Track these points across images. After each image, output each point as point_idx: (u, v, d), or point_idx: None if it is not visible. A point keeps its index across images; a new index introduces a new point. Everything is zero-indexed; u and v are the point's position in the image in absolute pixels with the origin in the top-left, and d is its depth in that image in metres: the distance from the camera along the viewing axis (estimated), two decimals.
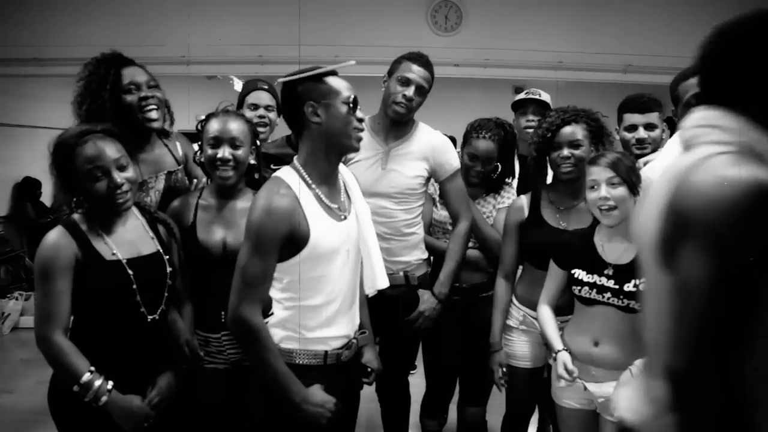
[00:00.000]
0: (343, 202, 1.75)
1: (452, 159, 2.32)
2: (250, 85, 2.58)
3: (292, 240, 1.59)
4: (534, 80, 4.55)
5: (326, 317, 1.68)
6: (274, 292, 1.68)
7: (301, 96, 1.63)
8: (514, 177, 2.61)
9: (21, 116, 5.68)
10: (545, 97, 3.02)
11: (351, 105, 1.64)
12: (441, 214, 2.47)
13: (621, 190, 1.81)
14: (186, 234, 1.93)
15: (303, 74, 1.63)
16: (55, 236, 1.64)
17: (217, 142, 1.90)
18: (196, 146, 2.04)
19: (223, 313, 1.90)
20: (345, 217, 1.73)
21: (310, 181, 1.66)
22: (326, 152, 1.67)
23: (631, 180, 1.82)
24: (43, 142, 1.75)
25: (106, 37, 4.49)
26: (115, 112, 1.98)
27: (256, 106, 2.50)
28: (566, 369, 1.88)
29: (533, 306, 2.12)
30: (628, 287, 1.82)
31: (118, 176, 1.65)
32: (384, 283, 1.81)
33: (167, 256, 1.80)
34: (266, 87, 2.56)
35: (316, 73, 1.64)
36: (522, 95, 3.09)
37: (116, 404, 1.64)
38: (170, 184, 2.16)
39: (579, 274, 1.92)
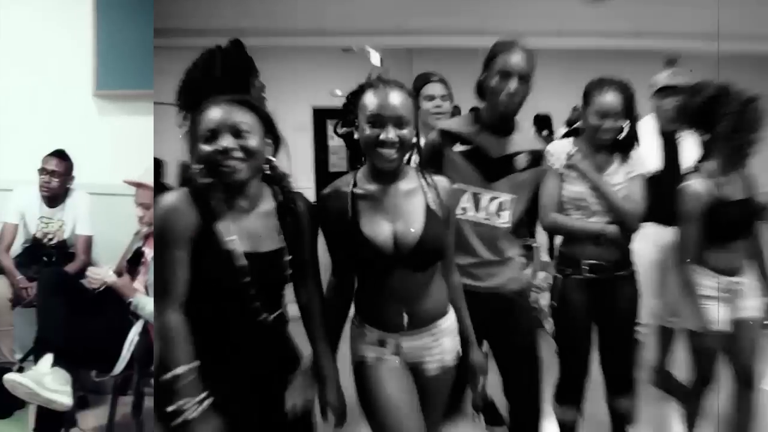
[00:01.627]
0: None
1: None
2: (422, 79, 2.86)
3: None
4: (689, 52, 4.16)
5: None
6: None
7: None
8: (638, 144, 2.45)
9: None
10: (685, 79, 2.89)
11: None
12: (571, 189, 2.36)
13: None
14: (348, 229, 1.66)
15: None
16: (176, 199, 1.50)
17: (379, 120, 1.59)
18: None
19: (405, 315, 1.71)
20: None
21: None
22: None
23: None
24: None
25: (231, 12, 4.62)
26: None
27: (431, 97, 2.79)
28: None
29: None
30: None
31: (226, 140, 1.47)
32: None
33: (290, 256, 1.60)
34: (437, 78, 2.85)
35: None
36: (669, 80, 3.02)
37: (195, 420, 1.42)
38: None
39: None
